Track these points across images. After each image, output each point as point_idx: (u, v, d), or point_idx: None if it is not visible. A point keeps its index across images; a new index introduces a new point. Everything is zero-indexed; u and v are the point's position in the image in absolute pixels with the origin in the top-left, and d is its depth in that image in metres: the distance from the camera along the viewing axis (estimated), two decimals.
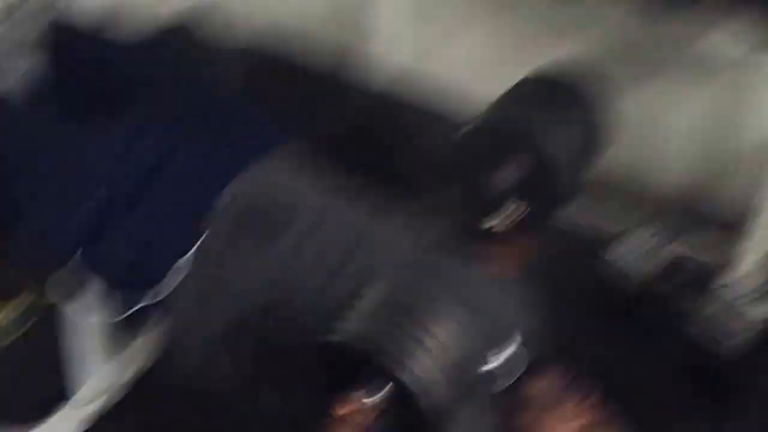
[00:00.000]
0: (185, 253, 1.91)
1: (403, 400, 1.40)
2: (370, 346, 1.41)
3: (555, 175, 1.84)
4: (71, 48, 2.29)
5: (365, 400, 1.41)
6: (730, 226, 2.96)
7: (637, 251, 2.73)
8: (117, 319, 2.00)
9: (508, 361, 1.79)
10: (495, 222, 1.86)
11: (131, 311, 1.96)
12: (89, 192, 1.94)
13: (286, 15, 3.51)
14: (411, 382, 1.38)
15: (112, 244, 1.93)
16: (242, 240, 1.90)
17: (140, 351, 2.43)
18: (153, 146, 2.01)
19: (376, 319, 1.45)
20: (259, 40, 3.44)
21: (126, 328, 2.24)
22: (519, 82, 2.14)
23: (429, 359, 1.39)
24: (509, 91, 2.12)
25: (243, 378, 1.92)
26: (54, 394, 2.32)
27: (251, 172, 2.00)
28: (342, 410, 1.42)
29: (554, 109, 1.90)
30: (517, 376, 1.81)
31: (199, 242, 1.91)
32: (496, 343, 1.79)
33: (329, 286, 1.80)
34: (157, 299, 1.90)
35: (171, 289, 1.89)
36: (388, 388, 1.41)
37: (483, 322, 1.75)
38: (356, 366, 1.44)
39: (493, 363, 1.77)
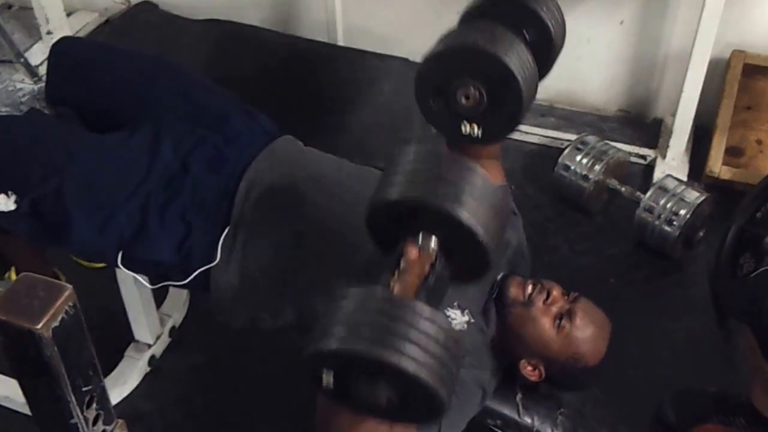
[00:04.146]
0: (216, 236, 2.00)
1: (455, 242, 1.42)
2: (421, 197, 1.41)
3: (514, 96, 1.82)
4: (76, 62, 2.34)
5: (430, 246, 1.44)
6: (658, 126, 3.33)
7: (585, 157, 2.94)
8: (153, 287, 2.13)
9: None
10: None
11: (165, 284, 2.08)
12: (125, 197, 2.00)
13: None
14: (467, 218, 1.37)
15: (148, 248, 2.00)
16: (274, 212, 2.01)
17: (181, 301, 2.65)
18: (175, 147, 2.07)
19: (419, 179, 1.44)
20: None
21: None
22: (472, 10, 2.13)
23: (474, 203, 1.39)
24: (466, 19, 2.11)
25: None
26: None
27: (266, 154, 2.11)
28: (414, 253, 1.43)
29: (509, 34, 1.87)
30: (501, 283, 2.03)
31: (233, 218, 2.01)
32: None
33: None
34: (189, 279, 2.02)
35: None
36: (436, 239, 1.44)
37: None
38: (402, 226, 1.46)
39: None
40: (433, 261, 1.44)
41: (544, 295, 1.97)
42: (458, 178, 1.42)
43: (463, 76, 1.84)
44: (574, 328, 1.93)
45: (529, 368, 1.98)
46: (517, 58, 1.80)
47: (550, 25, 2.06)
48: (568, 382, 2.05)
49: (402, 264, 1.43)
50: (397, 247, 1.46)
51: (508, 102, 1.85)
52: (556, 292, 1.98)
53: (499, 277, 2.04)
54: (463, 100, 1.86)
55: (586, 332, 1.95)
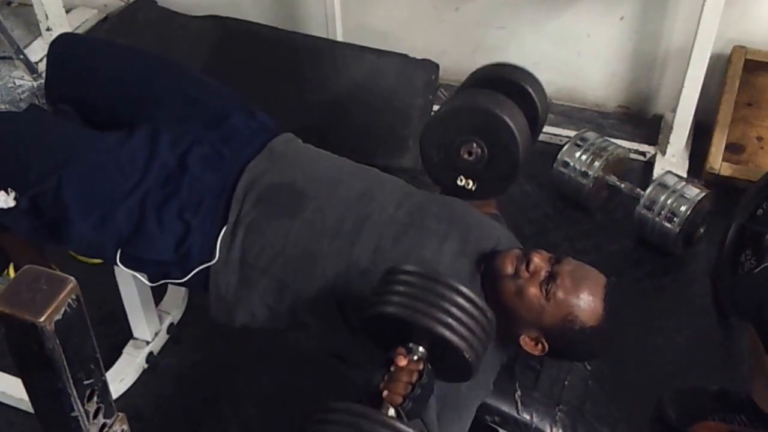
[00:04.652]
0: (214, 236, 2.00)
1: (441, 354, 1.57)
2: (412, 314, 1.56)
3: (512, 157, 2.02)
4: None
5: (414, 357, 1.58)
6: (658, 122, 3.33)
7: (585, 153, 2.90)
8: (153, 285, 2.11)
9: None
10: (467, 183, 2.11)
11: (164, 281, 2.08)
12: (123, 195, 1.99)
13: None
14: (452, 337, 1.53)
15: (146, 246, 1.99)
16: (272, 212, 2.01)
17: (180, 299, 2.64)
18: (173, 146, 2.07)
19: (414, 294, 1.59)
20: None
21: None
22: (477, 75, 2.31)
23: (456, 322, 1.54)
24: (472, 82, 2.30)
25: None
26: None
27: (264, 153, 2.11)
28: (403, 361, 1.56)
29: (510, 101, 2.07)
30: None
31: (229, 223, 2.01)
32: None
33: (351, 245, 1.96)
34: (189, 276, 2.02)
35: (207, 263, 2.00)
36: (422, 350, 1.58)
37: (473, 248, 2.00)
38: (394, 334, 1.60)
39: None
40: (420, 369, 1.58)
41: (526, 263, 1.90)
42: (449, 301, 1.57)
43: (468, 133, 2.04)
44: (561, 290, 1.86)
45: (531, 343, 1.92)
46: (517, 123, 2.03)
47: (537, 102, 2.26)
48: (573, 350, 1.96)
49: (392, 369, 1.58)
50: (389, 352, 1.60)
51: (504, 163, 2.06)
52: (537, 258, 1.90)
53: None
54: (466, 156, 2.08)
55: (574, 292, 1.87)
